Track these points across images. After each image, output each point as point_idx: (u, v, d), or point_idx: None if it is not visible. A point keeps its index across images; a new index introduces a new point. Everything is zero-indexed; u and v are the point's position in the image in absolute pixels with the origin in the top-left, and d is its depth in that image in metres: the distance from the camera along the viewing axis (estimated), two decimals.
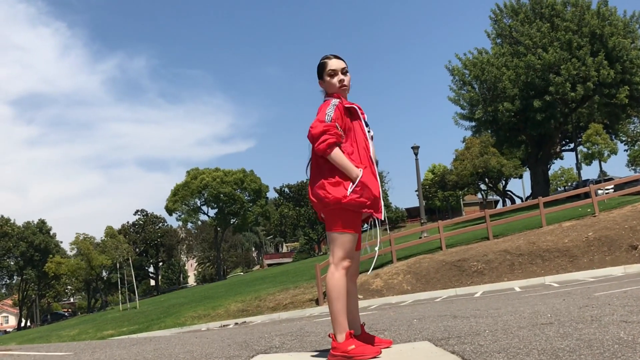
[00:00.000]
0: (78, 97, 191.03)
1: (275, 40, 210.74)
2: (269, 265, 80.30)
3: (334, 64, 4.01)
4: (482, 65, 44.43)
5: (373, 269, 26.00)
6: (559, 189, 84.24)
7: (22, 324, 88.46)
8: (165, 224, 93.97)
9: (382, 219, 3.97)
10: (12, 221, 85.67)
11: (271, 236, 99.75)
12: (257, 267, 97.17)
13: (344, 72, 4.03)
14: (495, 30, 48.07)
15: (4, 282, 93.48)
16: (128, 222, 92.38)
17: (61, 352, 7.04)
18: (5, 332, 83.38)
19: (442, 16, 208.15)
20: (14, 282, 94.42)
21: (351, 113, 3.97)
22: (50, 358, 6.18)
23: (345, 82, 4.01)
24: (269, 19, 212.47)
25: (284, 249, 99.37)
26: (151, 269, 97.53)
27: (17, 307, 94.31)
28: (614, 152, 46.67)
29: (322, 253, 73.84)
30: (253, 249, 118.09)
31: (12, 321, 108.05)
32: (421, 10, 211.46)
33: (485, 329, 4.71)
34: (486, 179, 64.42)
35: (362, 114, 4.05)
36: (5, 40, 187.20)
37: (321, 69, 4.05)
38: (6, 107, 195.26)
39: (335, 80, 4.00)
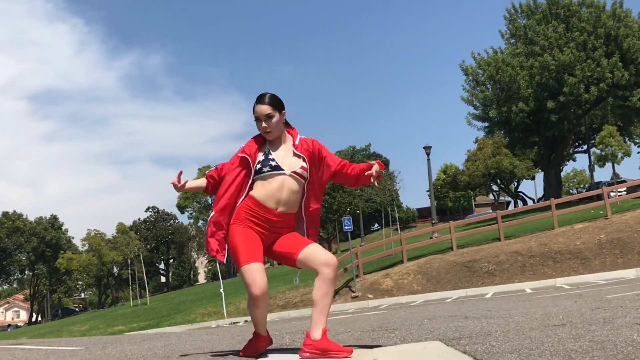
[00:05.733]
0: (94, 93, 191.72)
1: (291, 39, 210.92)
2: (279, 263, 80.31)
3: (258, 109, 4.16)
4: (497, 65, 44.28)
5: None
6: (571, 190, 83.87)
7: (33, 319, 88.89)
8: (177, 221, 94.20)
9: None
10: (24, 216, 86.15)
11: None
12: (267, 265, 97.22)
13: (269, 117, 4.16)
14: (510, 30, 47.93)
15: (15, 277, 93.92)
16: (139, 219, 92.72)
17: (72, 347, 7.07)
18: (17, 326, 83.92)
19: (456, 15, 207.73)
20: (25, 277, 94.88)
21: None
22: (62, 352, 6.19)
23: (270, 129, 4.16)
24: (286, 18, 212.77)
25: None
26: (162, 266, 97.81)
27: (28, 302, 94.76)
28: (627, 154, 46.47)
29: (332, 252, 73.79)
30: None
31: (23, 316, 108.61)
32: (435, 9, 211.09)
33: (496, 329, 4.69)
34: (498, 180, 64.18)
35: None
36: (23, 36, 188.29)
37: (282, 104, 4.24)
38: (23, 103, 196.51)
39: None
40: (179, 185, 4.23)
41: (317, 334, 3.80)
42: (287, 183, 4.03)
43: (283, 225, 4.09)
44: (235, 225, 4.03)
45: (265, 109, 4.10)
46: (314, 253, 3.96)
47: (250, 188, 4.07)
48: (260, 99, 4.14)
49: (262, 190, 4.03)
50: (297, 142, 4.20)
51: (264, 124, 4.09)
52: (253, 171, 4.07)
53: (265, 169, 4.04)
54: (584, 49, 41.67)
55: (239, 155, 4.16)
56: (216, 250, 4.07)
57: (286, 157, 4.12)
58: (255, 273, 3.87)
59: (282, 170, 4.04)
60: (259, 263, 3.92)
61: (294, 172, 4.06)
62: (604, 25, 41.46)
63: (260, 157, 4.10)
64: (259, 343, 4.22)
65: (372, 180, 4.23)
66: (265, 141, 4.20)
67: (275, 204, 4.02)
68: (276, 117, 4.13)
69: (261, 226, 4.03)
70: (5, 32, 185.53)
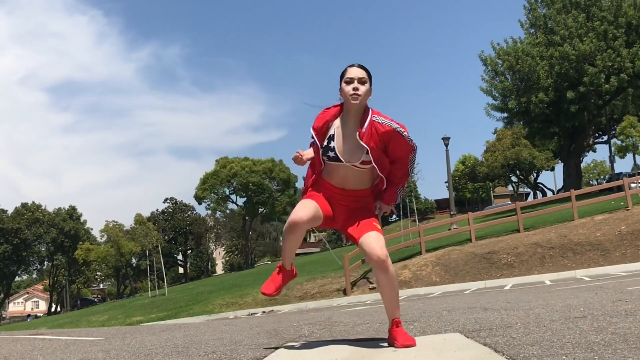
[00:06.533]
0: (113, 84, 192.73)
1: (309, 29, 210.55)
2: (297, 254, 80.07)
3: (352, 72, 3.96)
4: (516, 55, 43.97)
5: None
6: (591, 182, 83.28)
7: (53, 309, 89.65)
8: (194, 212, 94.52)
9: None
10: (43, 207, 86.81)
11: None
12: None
13: (362, 81, 3.95)
14: (529, 19, 47.57)
15: (34, 268, 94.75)
16: (157, 210, 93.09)
17: (92, 337, 7.11)
18: (36, 316, 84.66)
19: (475, 4, 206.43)
20: (44, 267, 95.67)
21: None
22: (82, 343, 6.23)
23: (359, 93, 3.92)
24: (303, 8, 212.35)
25: (312, 239, 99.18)
26: (180, 257, 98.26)
27: (48, 293, 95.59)
28: None
29: (349, 243, 73.76)
30: (281, 238, 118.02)
31: (43, 306, 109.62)
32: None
33: (517, 321, 4.66)
34: (517, 171, 63.80)
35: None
36: (42, 28, 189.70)
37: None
38: (42, 94, 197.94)
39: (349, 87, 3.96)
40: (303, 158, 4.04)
41: (390, 324, 3.93)
42: (348, 172, 3.96)
43: (355, 200, 4.06)
44: (313, 188, 4.10)
45: (360, 72, 3.95)
46: (365, 246, 3.87)
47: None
48: (353, 65, 3.99)
49: (327, 173, 4.04)
50: (364, 128, 3.91)
51: (355, 85, 3.90)
52: (321, 151, 4.01)
53: (324, 158, 3.98)
54: (605, 38, 41.29)
55: (312, 129, 4.08)
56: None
57: (349, 144, 3.94)
58: (303, 204, 3.96)
59: (341, 161, 3.92)
60: (312, 201, 3.97)
61: (354, 165, 3.92)
62: (625, 15, 41.05)
63: (325, 140, 3.99)
64: (281, 277, 4.23)
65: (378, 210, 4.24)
66: (333, 116, 4.05)
67: (341, 185, 4.00)
68: (367, 85, 3.96)
69: (333, 197, 4.03)
70: (25, 24, 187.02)
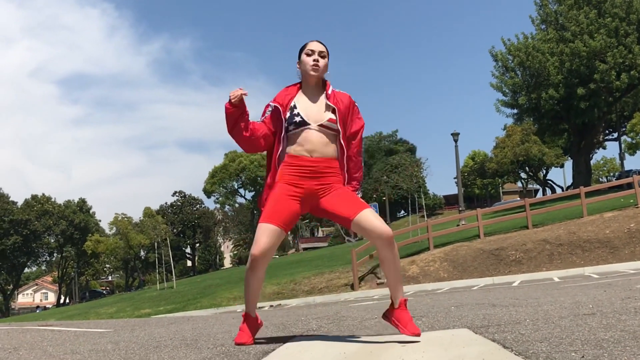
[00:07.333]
0: (123, 78, 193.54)
1: (318, 23, 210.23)
2: (305, 249, 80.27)
3: (313, 45, 4.07)
4: (527, 51, 43.81)
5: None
6: (601, 179, 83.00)
7: (61, 301, 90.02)
8: (203, 206, 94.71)
9: None
10: (53, 199, 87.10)
11: (307, 220, 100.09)
12: (293, 250, 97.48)
13: (322, 55, 4.06)
14: (540, 15, 47.34)
15: (44, 259, 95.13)
16: (166, 203, 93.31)
17: (101, 329, 7.14)
18: (45, 308, 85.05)
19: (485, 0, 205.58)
20: (53, 259, 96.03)
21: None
22: (91, 334, 6.26)
23: (320, 65, 4.03)
24: (312, 2, 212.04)
25: (320, 234, 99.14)
26: (188, 250, 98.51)
27: (57, 284, 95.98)
28: None
29: (357, 238, 73.64)
30: (289, 232, 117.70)
31: (52, 298, 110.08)
32: None
33: (525, 317, 4.65)
34: (527, 168, 63.70)
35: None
36: (53, 21, 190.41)
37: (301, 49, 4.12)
38: (53, 87, 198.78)
39: (309, 59, 4.03)
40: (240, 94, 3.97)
41: (395, 304, 3.90)
42: (314, 136, 3.93)
43: (325, 171, 3.95)
44: (277, 183, 3.96)
45: (321, 46, 4.06)
46: (367, 224, 3.81)
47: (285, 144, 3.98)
48: (312, 40, 4.09)
49: (293, 145, 3.94)
50: (329, 91, 4.04)
51: (315, 57, 4.01)
52: (284, 125, 3.96)
53: (290, 127, 3.94)
54: (616, 35, 41.09)
55: (271, 104, 4.06)
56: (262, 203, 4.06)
57: (315, 108, 3.99)
58: (263, 233, 3.87)
59: (308, 124, 3.92)
60: (272, 225, 3.85)
61: (321, 125, 3.94)
62: (637, 12, 40.84)
63: (288, 113, 3.96)
64: (251, 327, 4.19)
65: None
66: (295, 92, 4.07)
67: (308, 153, 3.91)
68: (326, 59, 4.06)
69: (302, 176, 3.91)
70: (37, 17, 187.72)
